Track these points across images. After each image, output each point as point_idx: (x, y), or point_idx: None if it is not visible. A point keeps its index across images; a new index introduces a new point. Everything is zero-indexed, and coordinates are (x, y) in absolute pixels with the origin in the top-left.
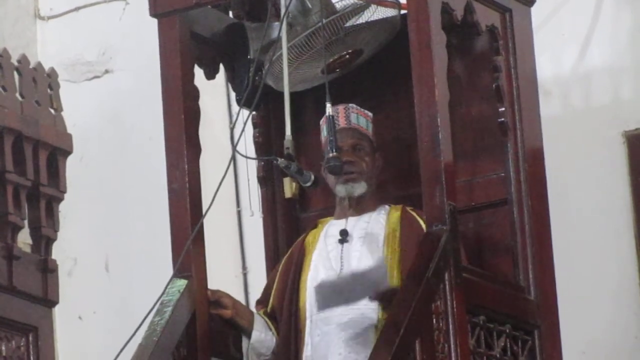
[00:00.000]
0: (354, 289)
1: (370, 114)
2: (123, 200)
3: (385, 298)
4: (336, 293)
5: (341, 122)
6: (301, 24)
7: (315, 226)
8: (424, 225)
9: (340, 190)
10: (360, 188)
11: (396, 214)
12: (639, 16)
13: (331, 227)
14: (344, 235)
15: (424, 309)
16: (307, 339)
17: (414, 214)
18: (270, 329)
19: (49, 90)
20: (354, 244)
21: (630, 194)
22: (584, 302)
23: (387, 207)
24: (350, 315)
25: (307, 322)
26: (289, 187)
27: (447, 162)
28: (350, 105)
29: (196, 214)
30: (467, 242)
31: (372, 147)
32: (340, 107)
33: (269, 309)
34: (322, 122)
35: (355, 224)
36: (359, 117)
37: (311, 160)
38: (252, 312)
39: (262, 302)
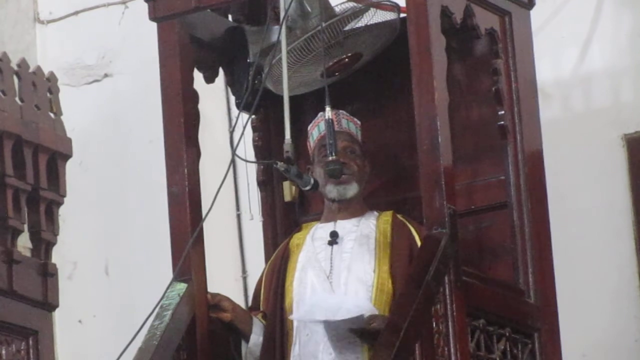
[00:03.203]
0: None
1: (359, 122)
2: (123, 204)
3: (369, 335)
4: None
5: (334, 126)
6: (300, 28)
7: (299, 230)
8: (414, 231)
9: (332, 190)
10: (352, 189)
11: (386, 218)
12: (639, 18)
13: (318, 230)
14: (334, 237)
15: (424, 312)
16: (295, 338)
17: (404, 220)
18: None
19: (48, 94)
20: (344, 246)
21: (630, 197)
22: (584, 305)
23: (375, 213)
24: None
25: (295, 322)
26: (288, 191)
27: (446, 165)
28: (341, 111)
29: (196, 217)
30: (467, 245)
31: (363, 151)
32: (332, 112)
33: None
34: (310, 128)
35: (345, 226)
36: (349, 123)
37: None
38: (251, 316)
39: (253, 309)
